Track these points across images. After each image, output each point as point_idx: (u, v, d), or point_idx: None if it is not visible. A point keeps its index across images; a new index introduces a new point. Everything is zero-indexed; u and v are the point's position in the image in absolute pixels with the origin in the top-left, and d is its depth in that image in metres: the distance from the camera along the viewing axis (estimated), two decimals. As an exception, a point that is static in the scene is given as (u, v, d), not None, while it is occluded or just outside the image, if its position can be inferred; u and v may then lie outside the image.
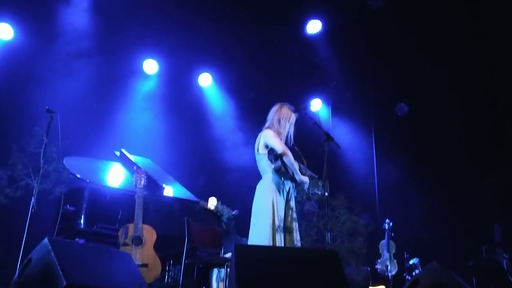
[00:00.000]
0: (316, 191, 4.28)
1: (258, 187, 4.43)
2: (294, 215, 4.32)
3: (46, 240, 3.14)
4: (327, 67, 8.27)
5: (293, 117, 4.57)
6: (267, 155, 4.37)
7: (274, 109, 4.59)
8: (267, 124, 4.54)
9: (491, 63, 7.23)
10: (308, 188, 4.32)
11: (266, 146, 4.38)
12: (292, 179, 4.34)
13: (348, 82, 8.55)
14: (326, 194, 4.21)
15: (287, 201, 4.33)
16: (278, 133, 4.45)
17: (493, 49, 7.13)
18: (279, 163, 4.24)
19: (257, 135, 4.52)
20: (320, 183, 4.31)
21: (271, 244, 4.15)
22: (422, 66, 7.77)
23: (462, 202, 7.24)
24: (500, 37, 7.06)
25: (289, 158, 4.31)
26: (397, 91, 8.13)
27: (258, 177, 4.62)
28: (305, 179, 4.38)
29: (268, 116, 4.60)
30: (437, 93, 7.71)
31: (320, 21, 7.97)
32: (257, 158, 4.49)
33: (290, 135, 4.56)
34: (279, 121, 4.50)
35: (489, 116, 7.38)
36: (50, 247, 3.05)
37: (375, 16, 7.43)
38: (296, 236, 4.25)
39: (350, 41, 8.06)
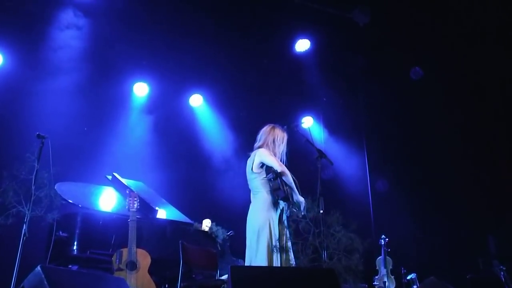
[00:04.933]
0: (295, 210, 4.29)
1: (252, 206, 4.43)
2: (288, 234, 4.31)
3: (38, 268, 3.09)
4: (317, 84, 8.33)
5: (286, 137, 4.62)
6: (261, 174, 4.40)
7: (266, 129, 4.65)
8: (259, 144, 4.58)
9: (482, 74, 7.32)
10: (292, 207, 4.32)
11: (262, 165, 4.41)
12: (286, 198, 4.35)
13: (338, 99, 8.61)
14: (321, 211, 4.21)
15: (281, 221, 4.33)
16: (273, 153, 4.50)
17: (480, 56, 7.23)
18: (278, 181, 4.26)
19: (249, 155, 4.53)
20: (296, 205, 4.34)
21: (268, 264, 4.14)
22: (411, 79, 7.85)
23: (457, 215, 7.24)
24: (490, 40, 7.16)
25: (288, 178, 4.37)
26: (388, 105, 8.19)
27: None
28: (302, 199, 4.39)
29: (259, 136, 4.65)
30: (428, 106, 7.77)
31: (308, 39, 8.06)
32: (250, 177, 4.51)
33: (284, 155, 4.62)
34: (273, 142, 4.57)
35: (482, 130, 7.43)
36: (42, 275, 3.01)
37: (362, 32, 7.52)
38: (291, 255, 4.24)
39: (339, 58, 8.15)
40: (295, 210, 4.30)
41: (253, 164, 4.47)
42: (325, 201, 4.26)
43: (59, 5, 6.76)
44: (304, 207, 4.28)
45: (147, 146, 7.67)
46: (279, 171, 4.31)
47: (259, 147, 4.55)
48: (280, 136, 4.60)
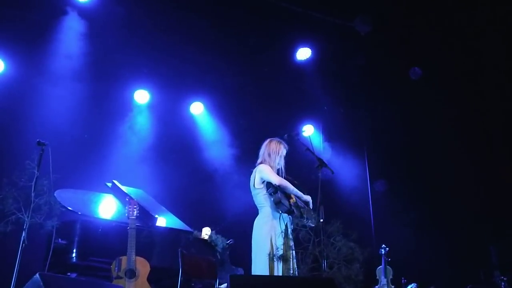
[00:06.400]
0: (310, 223, 4.29)
1: (256, 221, 4.52)
2: (291, 243, 4.33)
3: (37, 275, 3.08)
4: (318, 93, 8.34)
5: (283, 150, 4.70)
6: (263, 189, 4.49)
7: (264, 144, 4.74)
8: (259, 160, 4.67)
9: (485, 87, 7.34)
10: (304, 218, 4.32)
11: (263, 181, 4.49)
12: (289, 211, 4.40)
13: (339, 107, 8.62)
14: (321, 220, 4.21)
15: (286, 234, 4.36)
16: (270, 167, 4.57)
17: (481, 69, 7.25)
18: (278, 195, 4.30)
19: (251, 171, 4.60)
20: (313, 214, 4.35)
21: (269, 273, 4.15)
22: (412, 87, 7.87)
23: (458, 225, 7.22)
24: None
25: (288, 186, 4.46)
26: (389, 114, 8.19)
27: (251, 205, 4.62)
28: (308, 198, 4.55)
29: (260, 151, 4.73)
30: (429, 116, 7.78)
31: (309, 48, 8.07)
32: (253, 193, 4.59)
33: (281, 167, 4.67)
34: (269, 155, 4.64)
35: (484, 141, 7.43)
36: (41, 283, 3.00)
37: (364, 41, 7.54)
38: (293, 264, 4.25)
39: (340, 66, 8.16)
40: (305, 221, 4.30)
41: (254, 180, 4.55)
42: (325, 210, 4.26)
43: (61, 13, 6.78)
44: (304, 217, 4.30)
45: (147, 153, 7.66)
46: (277, 184, 4.38)
47: (260, 163, 4.62)
48: (275, 149, 4.65)
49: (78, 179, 6.22)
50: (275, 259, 4.18)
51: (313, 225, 4.22)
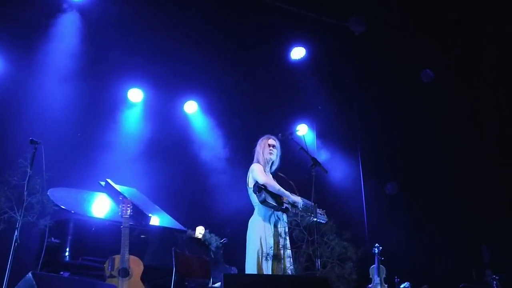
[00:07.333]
0: (320, 220, 4.29)
1: (250, 220, 4.56)
2: (283, 242, 4.34)
3: (29, 274, 3.07)
4: (312, 92, 8.35)
5: (266, 141, 4.74)
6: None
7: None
8: (254, 160, 4.71)
9: (480, 88, 7.38)
10: (310, 216, 4.31)
11: (254, 180, 4.52)
12: (281, 209, 4.42)
13: (333, 107, 8.63)
14: (315, 219, 4.23)
15: (276, 232, 4.37)
16: (264, 164, 4.62)
17: (477, 70, 7.29)
18: (263, 195, 4.31)
19: (247, 171, 4.68)
20: (321, 211, 4.36)
21: (257, 272, 4.16)
22: (405, 87, 7.89)
23: (451, 225, 7.25)
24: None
25: (273, 186, 4.48)
26: (382, 113, 8.21)
27: (245, 204, 4.63)
28: (297, 198, 4.52)
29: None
30: (422, 116, 7.80)
31: (304, 47, 8.07)
32: (248, 192, 4.63)
33: (276, 160, 4.71)
34: (257, 152, 4.71)
35: (477, 140, 7.46)
36: (34, 282, 2.99)
37: (358, 41, 7.56)
38: (285, 263, 4.25)
39: (334, 66, 8.18)
40: (305, 215, 4.30)
41: (248, 180, 4.60)
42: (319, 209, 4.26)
43: (55, 11, 6.74)
44: (311, 215, 4.29)
45: (140, 152, 7.64)
46: (261, 183, 4.41)
47: (254, 162, 4.67)
48: (261, 144, 4.73)
49: (71, 177, 6.20)
50: (265, 258, 4.19)
51: (324, 222, 4.23)
